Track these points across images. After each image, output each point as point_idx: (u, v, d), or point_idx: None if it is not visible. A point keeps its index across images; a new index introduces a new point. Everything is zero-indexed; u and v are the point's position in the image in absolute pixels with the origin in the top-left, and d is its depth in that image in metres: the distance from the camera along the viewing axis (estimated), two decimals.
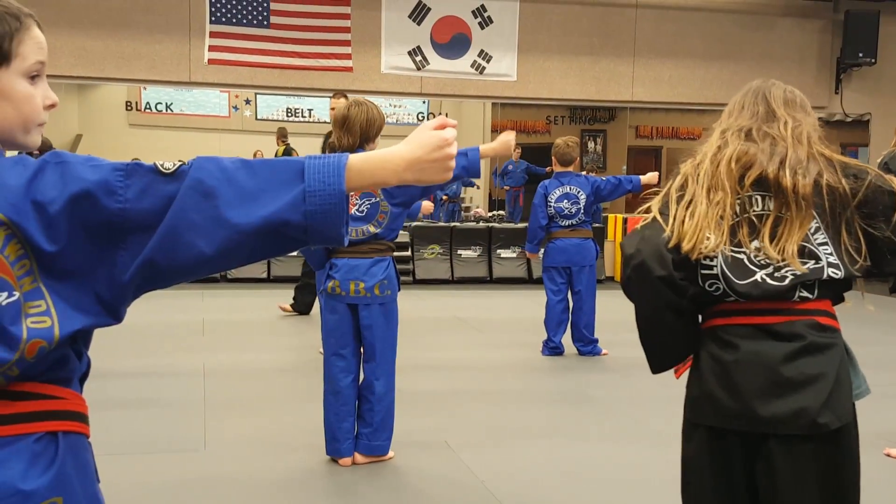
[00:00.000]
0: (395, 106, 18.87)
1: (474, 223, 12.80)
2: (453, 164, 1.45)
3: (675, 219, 2.06)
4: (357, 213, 4.16)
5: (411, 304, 9.00)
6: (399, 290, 4.29)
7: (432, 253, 11.78)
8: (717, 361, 2.04)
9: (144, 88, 16.83)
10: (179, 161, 1.38)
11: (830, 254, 2.00)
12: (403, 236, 11.49)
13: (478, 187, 16.33)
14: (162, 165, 1.36)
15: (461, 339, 7.84)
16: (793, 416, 1.93)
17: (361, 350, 4.29)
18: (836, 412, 1.93)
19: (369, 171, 1.41)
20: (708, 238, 2.01)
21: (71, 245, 1.33)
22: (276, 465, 4.32)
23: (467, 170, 4.07)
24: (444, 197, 14.97)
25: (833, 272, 1.99)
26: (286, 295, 8.97)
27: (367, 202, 4.16)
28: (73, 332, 1.35)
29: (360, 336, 4.24)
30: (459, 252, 11.93)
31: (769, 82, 2.24)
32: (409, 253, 11.66)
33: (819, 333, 1.98)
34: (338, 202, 1.36)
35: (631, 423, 5.19)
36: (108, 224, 1.33)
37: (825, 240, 2.01)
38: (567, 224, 6.93)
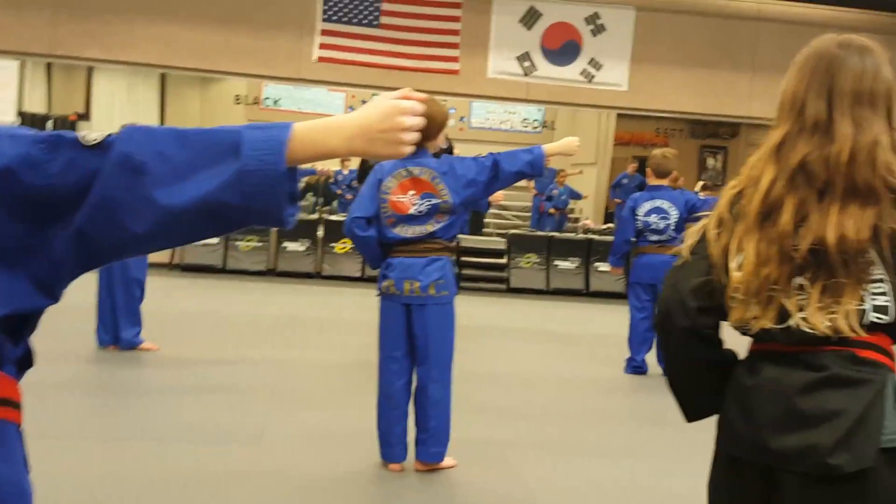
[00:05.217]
0: (509, 112, 18.81)
1: (573, 234, 12.57)
2: (407, 138, 1.31)
3: (724, 261, 1.85)
4: (415, 213, 4.06)
5: (502, 313, 8.89)
6: (457, 291, 4.18)
7: (528, 262, 11.60)
8: (739, 386, 1.89)
9: (266, 85, 17.25)
10: (107, 132, 1.27)
11: (882, 293, 1.75)
12: (500, 244, 11.38)
13: (585, 197, 16.04)
14: (84, 137, 1.25)
15: (546, 351, 7.67)
16: (802, 453, 1.73)
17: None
18: (854, 454, 1.69)
19: (314, 140, 1.29)
20: (755, 319, 1.81)
21: None
22: (329, 463, 4.26)
23: (532, 165, 4.07)
24: (552, 209, 14.79)
25: (877, 317, 1.75)
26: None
27: (426, 202, 4.05)
28: None
29: (413, 338, 4.13)
30: (556, 263, 11.72)
31: (840, 52, 1.82)
32: (504, 260, 11.53)
33: (851, 367, 1.75)
34: (277, 184, 1.24)
35: (708, 448, 4.92)
36: (33, 200, 1.24)
37: (880, 276, 1.75)
38: (655, 239, 6.65)
